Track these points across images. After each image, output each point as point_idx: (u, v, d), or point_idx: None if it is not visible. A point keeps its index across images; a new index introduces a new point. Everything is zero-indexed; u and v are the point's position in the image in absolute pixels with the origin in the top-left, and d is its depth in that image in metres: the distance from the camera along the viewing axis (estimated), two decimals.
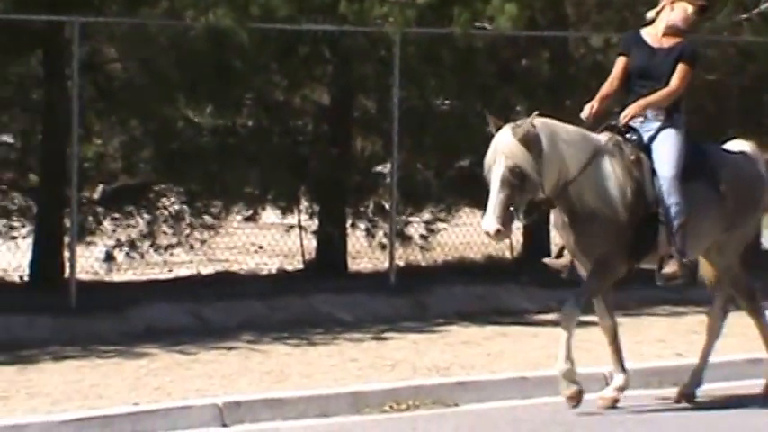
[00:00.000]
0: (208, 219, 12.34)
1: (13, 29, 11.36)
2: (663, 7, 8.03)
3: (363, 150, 13.08)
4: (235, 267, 13.61)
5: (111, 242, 12.38)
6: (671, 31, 8.04)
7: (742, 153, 8.61)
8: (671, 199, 7.73)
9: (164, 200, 12.27)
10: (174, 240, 12.33)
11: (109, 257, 12.37)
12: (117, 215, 12.23)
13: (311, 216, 12.94)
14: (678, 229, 7.75)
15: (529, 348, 9.57)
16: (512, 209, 7.37)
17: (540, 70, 13.82)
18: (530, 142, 7.44)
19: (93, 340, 10.48)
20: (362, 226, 12.93)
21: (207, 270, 13.14)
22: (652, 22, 8.12)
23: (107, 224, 12.28)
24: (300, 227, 12.95)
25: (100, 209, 12.17)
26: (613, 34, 12.91)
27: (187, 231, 12.33)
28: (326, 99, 12.97)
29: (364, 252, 13.63)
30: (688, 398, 8.13)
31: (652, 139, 7.96)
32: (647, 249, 7.83)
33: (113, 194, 12.27)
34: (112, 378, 8.90)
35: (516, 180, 7.38)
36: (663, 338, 10.22)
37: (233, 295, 11.63)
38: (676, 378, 8.46)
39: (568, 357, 7.55)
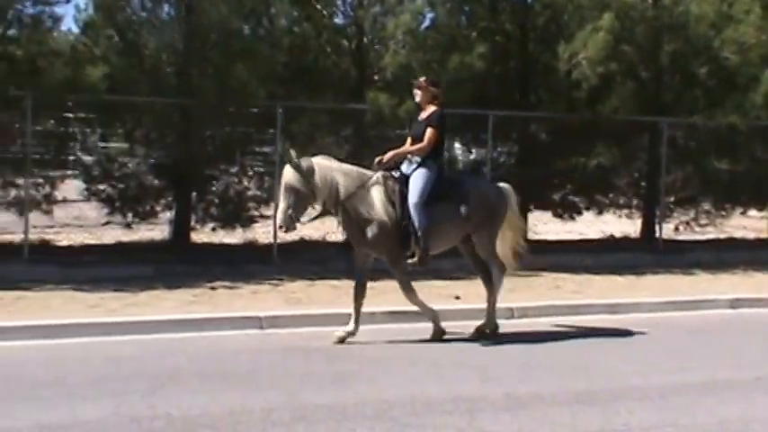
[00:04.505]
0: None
1: (632, 124, 16.22)
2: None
3: None
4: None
5: (677, 221, 17.43)
6: (423, 106, 9.43)
7: (496, 186, 10.01)
8: (415, 216, 8.90)
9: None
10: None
11: (676, 228, 17.27)
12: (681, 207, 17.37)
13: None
14: (421, 235, 8.93)
15: None
16: (290, 212, 8.69)
17: None
18: (302, 171, 8.71)
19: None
20: None
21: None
22: None
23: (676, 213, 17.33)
24: None
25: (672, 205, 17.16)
26: None
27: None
28: None
29: None
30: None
31: (411, 174, 9.13)
32: (408, 246, 9.05)
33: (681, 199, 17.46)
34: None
35: (292, 194, 8.69)
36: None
37: None
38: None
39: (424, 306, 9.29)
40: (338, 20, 15.32)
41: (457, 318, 10.36)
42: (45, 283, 11.57)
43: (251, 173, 15.13)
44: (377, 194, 8.98)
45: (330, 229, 15.12)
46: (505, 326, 10.19)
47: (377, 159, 9.16)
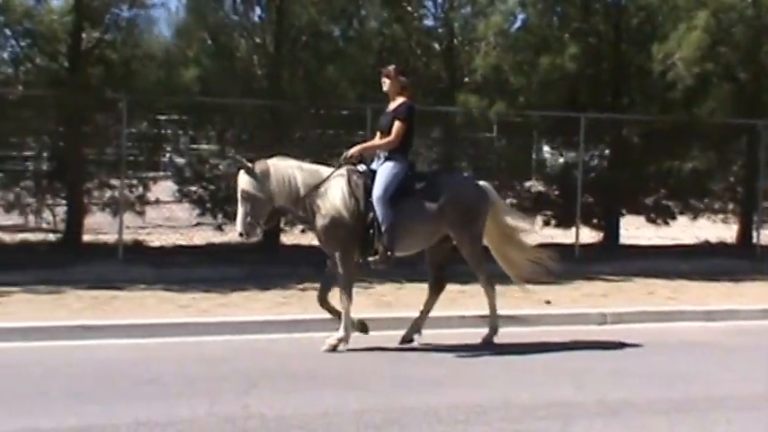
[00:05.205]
0: None
1: (729, 126, 16.26)
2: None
3: None
4: None
5: None
6: (391, 97, 8.97)
7: (476, 184, 9.29)
8: (379, 211, 8.47)
9: None
10: None
11: None
12: None
13: None
14: (385, 231, 8.53)
15: None
16: (249, 219, 8.47)
17: None
18: (255, 175, 8.43)
19: None
20: None
21: None
22: None
23: None
24: None
25: None
26: None
27: None
28: None
29: None
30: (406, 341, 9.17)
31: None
32: (372, 243, 8.62)
33: None
34: None
35: (248, 200, 8.44)
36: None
37: None
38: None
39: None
40: (428, 21, 15.55)
41: (548, 323, 10.36)
42: (138, 283, 11.86)
43: None
44: (338, 189, 8.61)
45: None
46: (598, 332, 10.11)
47: (343, 155, 8.83)
